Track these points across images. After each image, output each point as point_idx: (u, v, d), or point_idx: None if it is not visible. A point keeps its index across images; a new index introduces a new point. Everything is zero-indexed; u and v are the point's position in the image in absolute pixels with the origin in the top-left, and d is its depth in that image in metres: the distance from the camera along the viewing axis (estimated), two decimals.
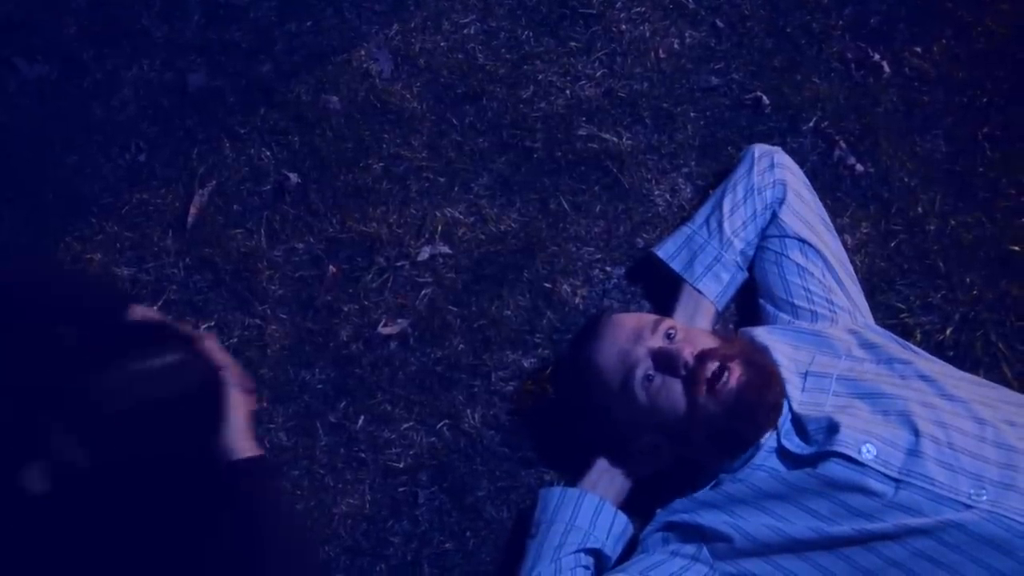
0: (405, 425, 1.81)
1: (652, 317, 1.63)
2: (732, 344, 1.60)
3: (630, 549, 1.64)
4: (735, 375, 1.52)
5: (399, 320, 1.87)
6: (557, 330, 1.86)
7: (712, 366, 1.52)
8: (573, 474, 1.72)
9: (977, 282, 1.85)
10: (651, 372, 1.55)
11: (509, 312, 1.87)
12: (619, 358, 1.58)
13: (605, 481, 1.67)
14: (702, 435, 1.54)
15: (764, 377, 1.54)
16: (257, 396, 1.75)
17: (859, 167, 1.96)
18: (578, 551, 1.59)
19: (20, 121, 2.00)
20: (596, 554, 1.61)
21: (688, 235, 1.82)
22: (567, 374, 1.74)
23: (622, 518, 1.64)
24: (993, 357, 1.80)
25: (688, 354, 1.53)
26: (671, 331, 1.58)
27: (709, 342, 1.58)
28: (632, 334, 1.59)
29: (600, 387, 1.60)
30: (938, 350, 1.75)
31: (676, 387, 1.54)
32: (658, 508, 1.62)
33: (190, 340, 1.28)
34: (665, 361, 1.55)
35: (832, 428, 1.48)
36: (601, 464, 1.68)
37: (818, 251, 1.76)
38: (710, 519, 1.53)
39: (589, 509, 1.62)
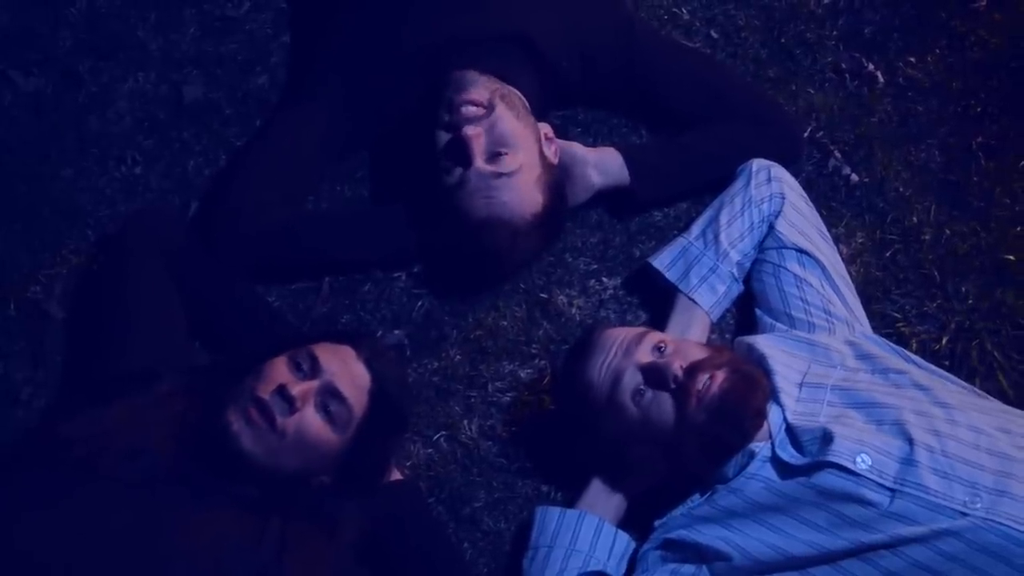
0: None
1: (641, 331, 1.63)
2: (722, 353, 1.60)
3: (633, 565, 1.63)
4: (718, 380, 1.52)
5: (396, 331, 1.87)
6: (553, 340, 1.86)
7: (702, 378, 1.52)
8: (571, 485, 1.72)
9: (972, 291, 1.86)
10: (641, 386, 1.55)
11: (505, 323, 1.87)
12: (609, 373, 1.58)
13: (602, 499, 1.67)
14: (693, 446, 1.54)
15: (748, 382, 1.54)
16: None
17: (854, 177, 1.96)
18: (580, 575, 1.59)
19: (16, 134, 2.00)
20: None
21: (684, 246, 1.82)
22: (561, 390, 1.74)
23: (623, 537, 1.63)
24: (989, 366, 1.80)
25: (678, 368, 1.53)
26: (661, 345, 1.58)
27: (699, 353, 1.58)
28: (622, 349, 1.58)
29: (591, 402, 1.60)
30: (934, 359, 1.74)
31: (666, 401, 1.54)
32: (655, 521, 1.61)
33: None
34: (655, 376, 1.55)
35: (826, 438, 1.48)
36: (597, 482, 1.68)
37: (816, 260, 1.76)
38: (708, 536, 1.54)
39: (589, 531, 1.62)
